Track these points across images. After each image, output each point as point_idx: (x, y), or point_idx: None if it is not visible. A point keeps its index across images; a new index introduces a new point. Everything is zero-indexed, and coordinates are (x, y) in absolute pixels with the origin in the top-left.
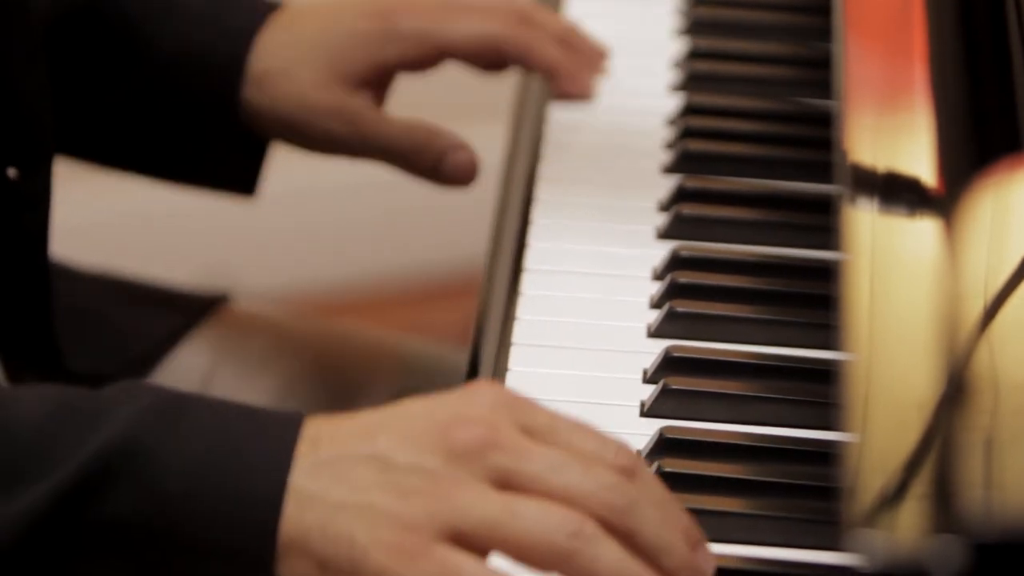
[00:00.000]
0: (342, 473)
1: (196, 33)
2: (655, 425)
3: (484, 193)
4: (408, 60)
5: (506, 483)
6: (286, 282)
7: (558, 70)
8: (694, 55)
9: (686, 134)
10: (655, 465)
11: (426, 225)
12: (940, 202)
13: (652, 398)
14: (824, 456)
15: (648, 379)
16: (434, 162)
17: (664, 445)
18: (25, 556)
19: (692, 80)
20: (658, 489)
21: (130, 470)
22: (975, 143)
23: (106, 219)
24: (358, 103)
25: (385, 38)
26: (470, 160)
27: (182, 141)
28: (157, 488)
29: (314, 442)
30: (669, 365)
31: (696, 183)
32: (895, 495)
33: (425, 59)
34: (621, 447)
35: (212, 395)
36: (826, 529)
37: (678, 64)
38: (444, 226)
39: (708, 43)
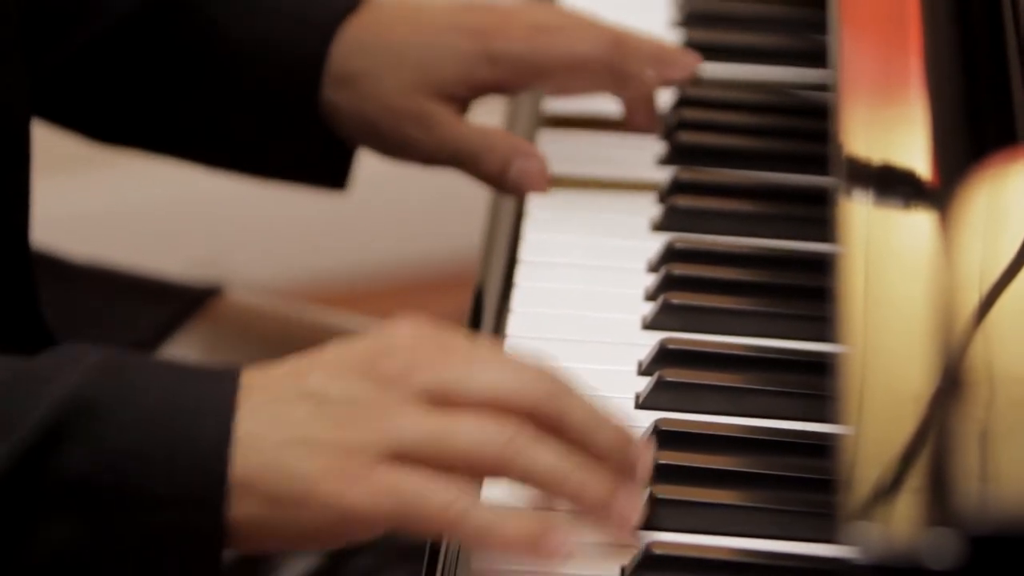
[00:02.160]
0: (280, 414)
1: (276, 28)
2: (650, 417)
3: (479, 184)
4: (500, 83)
5: (437, 398)
6: (279, 273)
7: (637, 106)
8: (689, 47)
9: (680, 126)
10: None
11: (421, 216)
12: (935, 194)
13: (647, 390)
14: (819, 448)
15: (643, 371)
16: (501, 167)
17: (659, 437)
18: None
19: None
20: (578, 391)
21: (83, 427)
22: (970, 135)
23: (99, 211)
24: (438, 109)
25: (481, 60)
26: (539, 169)
27: (265, 137)
28: (109, 443)
29: (250, 390)
30: (664, 357)
31: (691, 175)
32: (891, 488)
33: (519, 82)
34: (538, 361)
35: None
36: (821, 521)
37: None
38: (439, 217)
39: (702, 35)
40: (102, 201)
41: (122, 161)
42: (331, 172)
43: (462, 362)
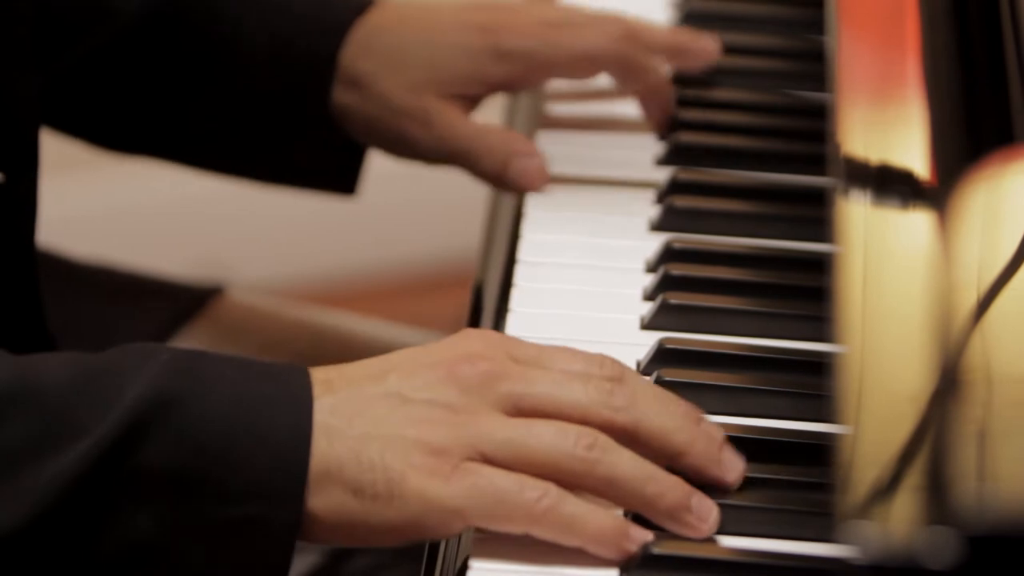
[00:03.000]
0: (362, 409)
1: (288, 31)
2: None
3: (478, 185)
4: (512, 80)
5: (516, 408)
6: (280, 273)
7: (650, 100)
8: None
9: (679, 126)
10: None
11: (421, 216)
12: (933, 194)
13: None
14: (818, 448)
15: (641, 371)
16: (500, 167)
17: None
18: (67, 515)
19: (685, 72)
20: (648, 386)
21: (163, 421)
22: (968, 135)
23: (101, 211)
24: (440, 107)
25: (491, 56)
26: (538, 167)
27: (277, 141)
28: (189, 436)
29: (327, 384)
30: (662, 357)
31: (689, 175)
32: (889, 487)
33: (529, 79)
34: (605, 358)
35: None
36: (820, 521)
37: None
38: (439, 217)
39: None
40: (103, 201)
41: (123, 162)
42: (342, 176)
43: (541, 374)
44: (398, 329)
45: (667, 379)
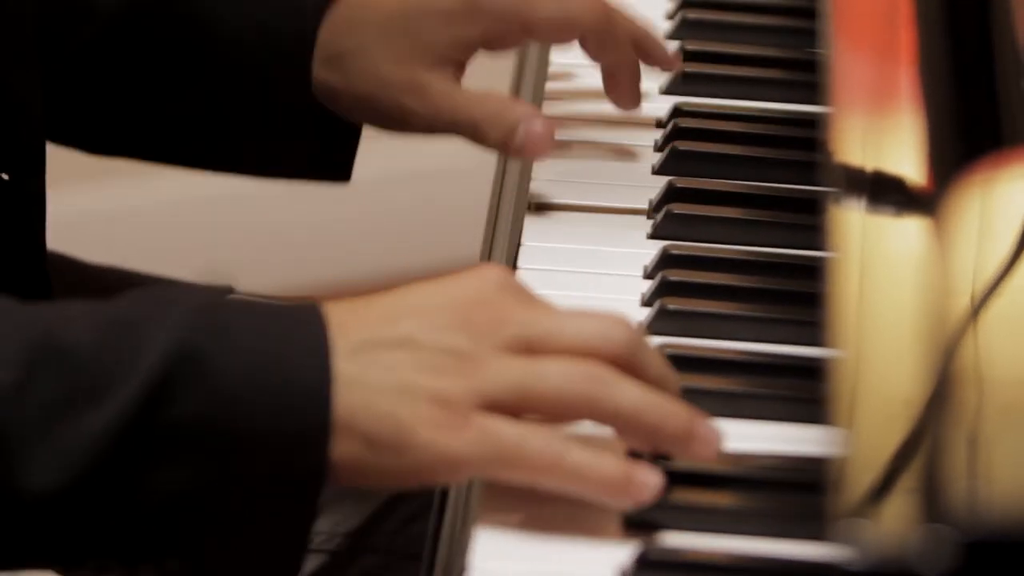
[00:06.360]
0: (376, 355)
1: (264, 12)
2: None
3: (479, 192)
4: (490, 38)
5: (525, 347)
6: (286, 280)
7: (620, 74)
8: (684, 57)
9: (676, 135)
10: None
11: (423, 224)
12: (927, 201)
13: None
14: (814, 451)
15: None
16: (505, 134)
17: None
18: (102, 474)
19: (682, 82)
20: (648, 343)
21: (189, 373)
22: (961, 142)
23: (109, 216)
24: (431, 77)
25: (468, 15)
26: (545, 131)
27: (264, 130)
28: (215, 387)
29: (342, 328)
30: None
31: (686, 183)
32: (883, 489)
33: (507, 37)
34: (616, 317)
35: None
36: (815, 523)
37: None
38: (440, 225)
39: (697, 45)
40: (112, 206)
41: (131, 168)
42: (332, 164)
43: (548, 314)
44: None
45: None
